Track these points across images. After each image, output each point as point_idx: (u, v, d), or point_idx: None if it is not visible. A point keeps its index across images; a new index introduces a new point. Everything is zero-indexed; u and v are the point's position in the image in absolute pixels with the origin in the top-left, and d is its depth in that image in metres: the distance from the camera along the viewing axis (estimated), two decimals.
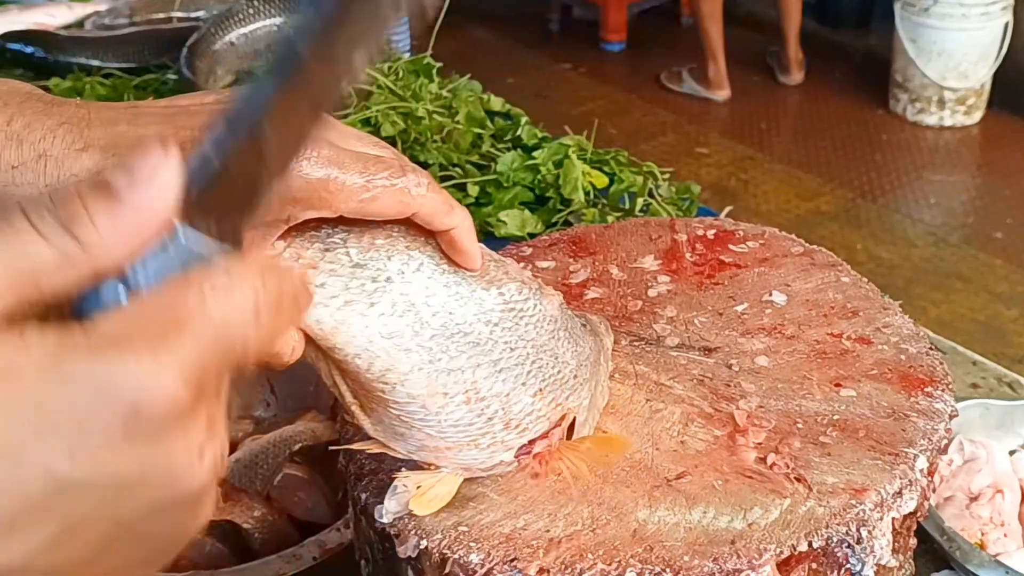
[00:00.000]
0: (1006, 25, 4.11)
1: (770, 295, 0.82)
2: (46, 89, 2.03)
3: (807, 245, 0.89)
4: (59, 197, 0.36)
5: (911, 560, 0.75)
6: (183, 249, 0.37)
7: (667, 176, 1.58)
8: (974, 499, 0.97)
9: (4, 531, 0.34)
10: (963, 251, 3.44)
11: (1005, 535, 0.95)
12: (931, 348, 0.77)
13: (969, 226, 3.62)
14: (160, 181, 0.37)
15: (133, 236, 0.37)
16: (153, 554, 0.39)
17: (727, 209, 1.65)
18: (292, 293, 0.40)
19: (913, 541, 0.72)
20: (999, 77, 4.20)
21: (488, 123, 1.70)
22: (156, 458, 0.36)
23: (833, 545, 0.62)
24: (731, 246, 0.88)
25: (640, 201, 1.46)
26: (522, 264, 0.85)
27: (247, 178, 0.40)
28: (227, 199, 0.39)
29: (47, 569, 0.36)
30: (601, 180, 1.53)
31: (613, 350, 0.75)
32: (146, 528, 0.37)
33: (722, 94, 4.56)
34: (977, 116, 4.25)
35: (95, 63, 1.84)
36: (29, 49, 1.86)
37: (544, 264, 0.87)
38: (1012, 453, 1.02)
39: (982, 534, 0.95)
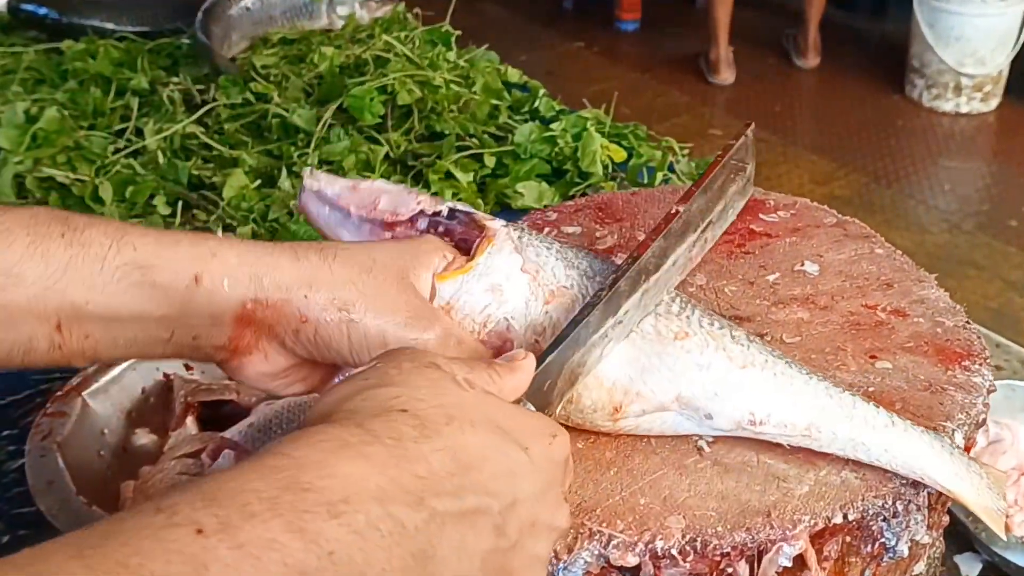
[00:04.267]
0: None
1: (802, 265, 0.80)
2: (58, 52, 1.96)
3: (840, 216, 0.87)
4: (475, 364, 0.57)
5: (941, 539, 0.74)
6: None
7: (686, 151, 1.56)
8: None
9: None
10: (977, 238, 3.41)
11: None
12: (968, 322, 0.75)
13: (984, 213, 3.58)
14: (527, 369, 0.59)
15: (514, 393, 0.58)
16: None
17: None
18: None
19: (945, 518, 0.70)
20: (1017, 64, 4.15)
21: (505, 94, 1.67)
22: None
23: (869, 518, 0.60)
24: (762, 215, 0.86)
25: (659, 175, 1.44)
26: (547, 229, 0.83)
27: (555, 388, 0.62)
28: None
29: None
30: (619, 154, 1.50)
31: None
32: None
33: (721, 78, 4.49)
34: (994, 103, 4.21)
35: (109, 26, 1.83)
36: (43, 11, 1.84)
37: (570, 229, 0.85)
38: None
39: (1007, 516, 0.93)
